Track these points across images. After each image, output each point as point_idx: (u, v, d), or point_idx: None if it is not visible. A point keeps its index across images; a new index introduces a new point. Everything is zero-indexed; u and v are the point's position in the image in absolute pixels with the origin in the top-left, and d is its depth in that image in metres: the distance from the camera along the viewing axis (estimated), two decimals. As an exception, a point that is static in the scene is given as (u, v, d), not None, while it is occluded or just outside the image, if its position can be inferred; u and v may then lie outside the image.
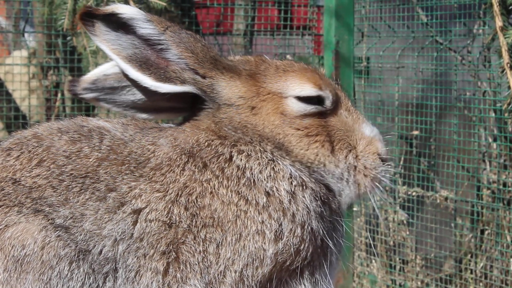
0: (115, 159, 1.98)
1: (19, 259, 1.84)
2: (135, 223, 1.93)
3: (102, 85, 2.19)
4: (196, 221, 1.95)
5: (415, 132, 5.40)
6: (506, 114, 4.25)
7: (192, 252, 1.94)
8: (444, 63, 5.21)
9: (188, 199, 1.96)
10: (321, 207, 2.06)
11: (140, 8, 2.11)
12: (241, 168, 2.02)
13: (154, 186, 1.96)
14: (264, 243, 1.97)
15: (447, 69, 5.19)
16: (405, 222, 5.48)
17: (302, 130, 2.13)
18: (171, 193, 1.96)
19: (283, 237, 1.99)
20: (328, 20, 5.48)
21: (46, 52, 6.28)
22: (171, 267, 1.93)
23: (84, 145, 2.00)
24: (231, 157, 2.03)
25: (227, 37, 6.54)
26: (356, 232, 5.69)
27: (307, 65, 2.27)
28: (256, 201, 1.98)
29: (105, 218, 1.91)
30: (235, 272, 1.96)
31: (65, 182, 1.93)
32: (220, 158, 2.02)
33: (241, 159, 2.03)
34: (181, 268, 1.93)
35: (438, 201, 5.19)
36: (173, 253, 1.93)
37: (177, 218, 1.94)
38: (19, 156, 1.99)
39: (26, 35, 6.80)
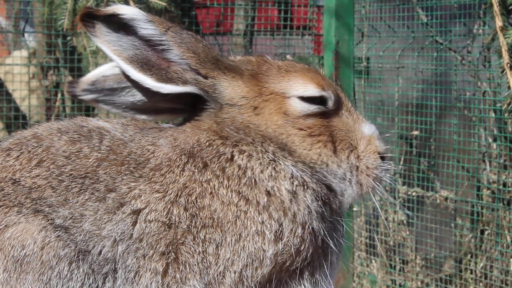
0: (114, 160, 1.98)
1: (18, 259, 1.84)
2: (134, 223, 1.93)
3: (101, 86, 2.18)
4: (195, 222, 1.95)
5: (415, 132, 5.40)
6: (506, 114, 4.25)
7: (191, 252, 1.94)
8: (444, 63, 5.21)
9: (188, 200, 1.96)
10: (322, 207, 2.06)
11: (140, 8, 2.10)
12: (242, 167, 2.01)
13: (153, 187, 1.96)
14: (264, 244, 1.97)
15: (447, 69, 5.18)
16: (405, 222, 5.48)
17: (305, 130, 2.13)
18: (171, 193, 1.96)
19: (284, 237, 1.98)
20: (328, 20, 5.48)
21: (46, 52, 6.28)
22: (170, 268, 1.93)
23: (83, 146, 2.00)
24: (232, 156, 2.03)
25: (227, 37, 6.54)
26: (356, 232, 5.69)
27: (308, 66, 2.27)
28: (256, 200, 1.98)
29: (104, 218, 1.91)
30: (235, 272, 1.96)
31: (64, 183, 1.93)
32: (221, 158, 2.02)
33: (242, 159, 2.03)
34: (181, 268, 1.93)
35: (438, 201, 5.19)
36: (173, 254, 1.93)
37: (177, 219, 1.94)
38: (18, 156, 1.99)
39: (26, 35, 6.80)
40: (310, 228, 2.02)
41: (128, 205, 1.93)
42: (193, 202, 1.96)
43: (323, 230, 2.04)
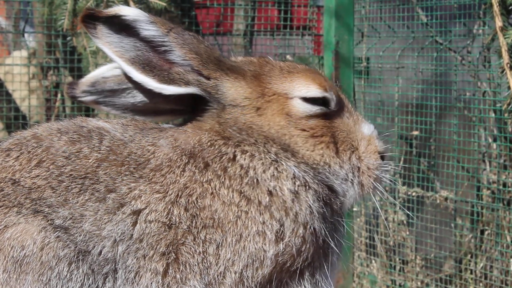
0: (114, 160, 1.98)
1: (18, 260, 1.83)
2: (134, 224, 1.93)
3: (101, 87, 2.18)
4: (196, 222, 1.95)
5: (415, 132, 5.40)
6: (506, 114, 4.25)
7: (191, 253, 1.94)
8: (444, 63, 5.21)
9: (188, 200, 1.96)
10: (323, 208, 2.06)
11: (140, 9, 2.10)
12: (245, 167, 2.01)
13: (154, 187, 1.96)
14: (265, 244, 1.97)
15: (447, 69, 5.18)
16: (405, 222, 5.48)
17: (308, 131, 2.13)
18: (171, 194, 1.96)
19: (285, 237, 1.98)
20: (328, 20, 5.48)
21: (46, 52, 6.28)
22: (170, 268, 1.93)
23: (83, 146, 2.00)
24: (234, 156, 2.03)
25: (227, 37, 6.54)
26: (356, 232, 5.69)
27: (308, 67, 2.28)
28: (258, 200, 1.98)
29: (104, 219, 1.91)
30: (235, 273, 1.96)
31: (64, 183, 1.93)
32: (223, 158, 2.02)
33: (244, 159, 2.03)
34: (181, 269, 1.93)
35: (438, 201, 5.19)
36: (173, 254, 1.93)
37: (177, 219, 1.94)
38: (18, 156, 1.98)
39: (26, 35, 6.80)
40: (312, 228, 2.02)
41: (128, 206, 1.93)
42: (194, 203, 1.96)
43: (324, 231, 2.04)
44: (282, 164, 2.05)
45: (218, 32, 6.37)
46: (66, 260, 1.86)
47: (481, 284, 4.94)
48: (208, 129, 2.10)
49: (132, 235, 1.92)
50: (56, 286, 1.85)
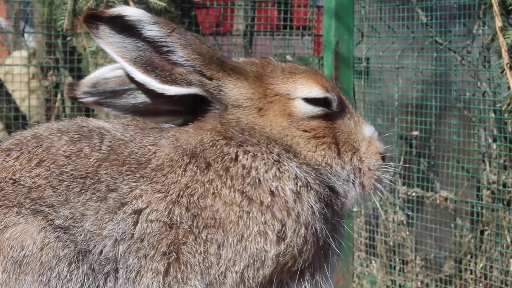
0: (115, 160, 1.98)
1: (18, 260, 1.83)
2: (135, 223, 1.92)
3: (102, 88, 2.18)
4: (197, 222, 1.94)
5: (415, 133, 5.40)
6: (506, 115, 4.25)
7: (193, 252, 1.93)
8: (444, 63, 5.21)
9: (190, 200, 1.96)
10: (324, 208, 2.06)
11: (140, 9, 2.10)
12: (247, 167, 2.01)
13: (155, 187, 1.96)
14: (266, 244, 1.96)
15: (447, 70, 5.19)
16: (405, 222, 5.48)
17: (310, 132, 2.13)
18: (172, 193, 1.96)
19: (286, 237, 1.98)
20: (328, 21, 5.48)
21: (46, 53, 6.27)
22: (171, 268, 1.93)
23: (84, 145, 2.00)
24: (237, 156, 2.03)
25: (227, 37, 6.54)
26: (356, 232, 5.69)
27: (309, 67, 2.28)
28: (260, 200, 1.98)
29: (105, 218, 1.91)
30: (236, 273, 1.95)
31: (65, 182, 1.93)
32: (225, 158, 2.02)
33: (247, 159, 2.03)
34: (182, 268, 1.93)
35: (438, 201, 5.19)
36: (174, 254, 1.93)
37: (178, 219, 1.94)
38: (18, 156, 1.98)
39: (26, 35, 6.80)
40: (313, 229, 2.02)
41: (129, 205, 1.93)
42: (195, 203, 1.96)
43: (325, 231, 2.04)
44: (284, 164, 2.05)
45: (218, 32, 6.37)
46: (66, 260, 1.86)
47: (481, 284, 4.94)
48: (210, 129, 2.10)
49: (133, 234, 1.92)
50: (56, 286, 1.84)
